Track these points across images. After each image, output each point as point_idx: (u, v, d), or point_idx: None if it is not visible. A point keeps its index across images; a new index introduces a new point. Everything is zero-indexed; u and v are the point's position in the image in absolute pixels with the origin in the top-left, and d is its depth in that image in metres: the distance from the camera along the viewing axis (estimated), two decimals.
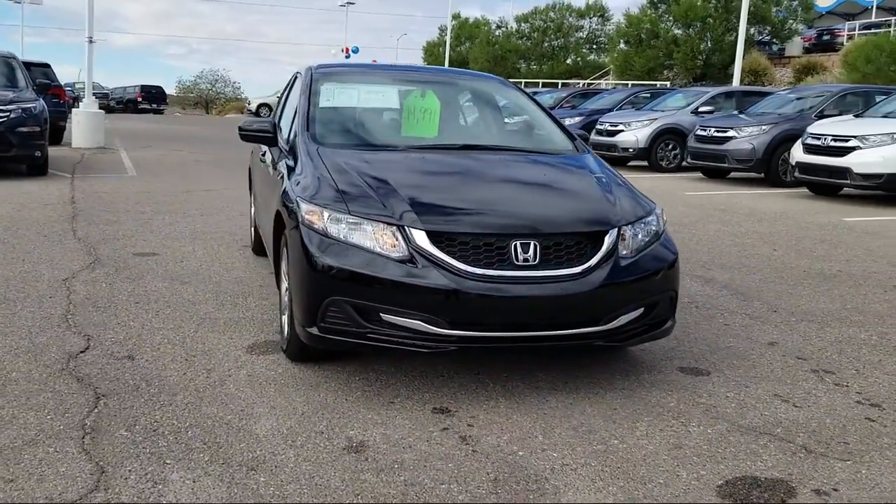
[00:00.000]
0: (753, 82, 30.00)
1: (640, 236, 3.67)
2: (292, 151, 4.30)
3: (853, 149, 11.46)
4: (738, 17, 31.81)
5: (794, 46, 35.72)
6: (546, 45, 42.89)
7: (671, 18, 32.82)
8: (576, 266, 3.43)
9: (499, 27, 45.70)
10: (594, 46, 43.55)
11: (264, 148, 5.29)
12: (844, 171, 11.46)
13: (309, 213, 3.56)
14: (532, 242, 3.39)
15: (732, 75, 32.08)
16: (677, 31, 32.49)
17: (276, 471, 2.81)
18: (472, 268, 3.31)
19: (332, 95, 4.73)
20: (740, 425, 3.35)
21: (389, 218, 3.42)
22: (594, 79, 38.76)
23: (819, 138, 12.06)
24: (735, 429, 3.31)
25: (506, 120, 5.06)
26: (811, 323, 5.00)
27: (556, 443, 3.11)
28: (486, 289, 3.28)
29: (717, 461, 3.01)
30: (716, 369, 4.04)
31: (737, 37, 31.92)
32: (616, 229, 3.58)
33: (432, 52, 49.57)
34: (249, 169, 6.66)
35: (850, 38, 32.17)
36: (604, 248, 3.51)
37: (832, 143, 11.78)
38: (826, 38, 33.92)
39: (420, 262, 3.32)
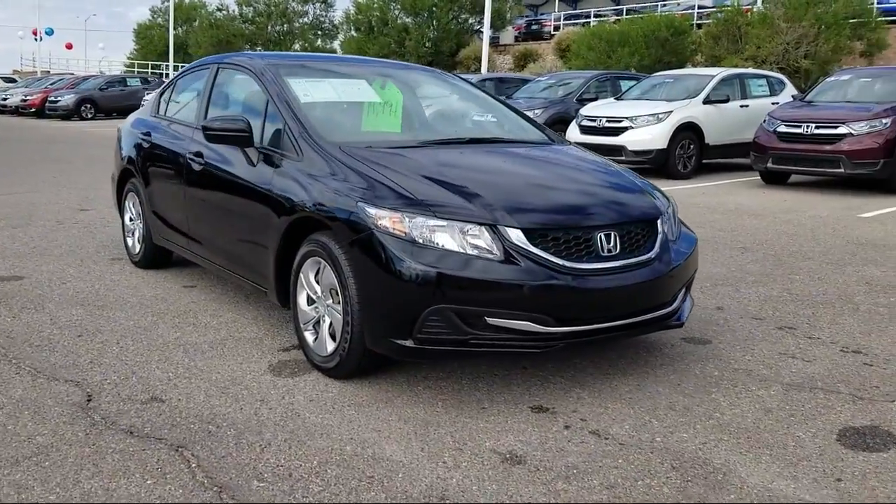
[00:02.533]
0: (479, 69, 31.98)
1: (671, 220, 3.90)
2: (292, 153, 3.92)
3: (626, 128, 12.81)
4: (461, 7, 33.69)
5: (507, 35, 38.57)
6: (271, 30, 41.93)
7: (399, 7, 33.72)
8: (646, 253, 3.57)
9: (219, 10, 43.78)
10: (319, 32, 43.41)
11: (195, 148, 4.73)
12: (620, 149, 12.72)
13: (383, 218, 3.30)
14: (612, 233, 3.47)
15: (459, 62, 33.94)
16: (407, 20, 33.48)
17: (471, 496, 2.63)
18: (570, 262, 3.32)
19: (307, 91, 4.35)
20: (787, 384, 3.72)
21: (480, 217, 3.29)
22: None
23: (594, 120, 13.29)
24: (787, 388, 3.67)
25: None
26: (725, 286, 5.60)
27: (674, 424, 3.25)
28: (588, 283, 3.31)
29: (809, 418, 3.33)
30: (709, 336, 4.41)
31: (460, 25, 33.82)
32: (663, 215, 3.78)
33: (145, 34, 46.16)
34: (124, 175, 5.85)
35: (556, 27, 35.45)
36: (659, 233, 3.69)
37: (607, 125, 13.05)
38: (535, 27, 37.04)
39: (520, 261, 3.24)
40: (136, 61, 42.45)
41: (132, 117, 6.22)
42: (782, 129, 11.40)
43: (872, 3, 23.33)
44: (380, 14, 33.98)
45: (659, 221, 3.73)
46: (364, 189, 3.47)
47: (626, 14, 32.47)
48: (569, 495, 2.66)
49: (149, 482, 2.66)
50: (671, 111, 12.78)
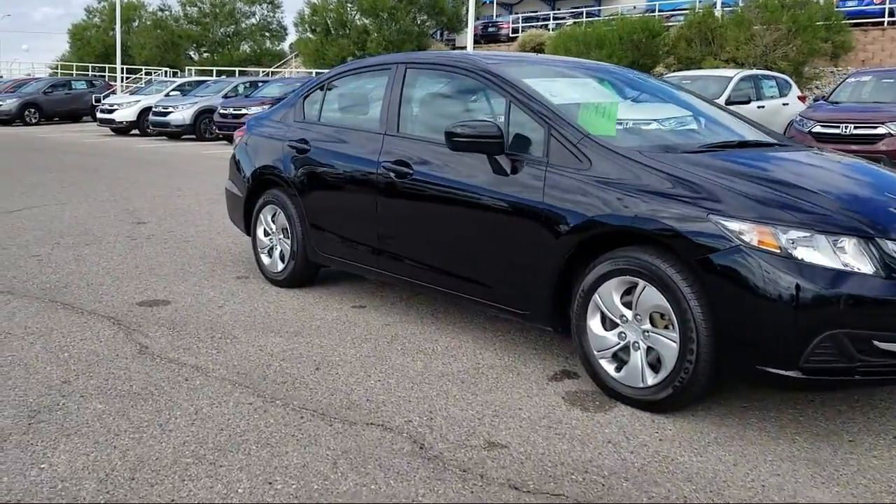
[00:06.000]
0: None
1: None
2: (570, 161, 3.53)
3: None
4: (419, 9, 33.30)
5: (463, 38, 38.31)
6: (219, 31, 40.60)
7: (357, 8, 33.12)
8: None
9: (162, 10, 42.14)
10: (266, 34, 42.29)
11: (394, 157, 4.27)
12: None
13: (748, 232, 2.95)
14: None
15: None
16: (366, 21, 32.90)
17: None
18: None
19: (550, 92, 3.95)
20: None
21: (857, 230, 2.97)
22: (278, 67, 37.72)
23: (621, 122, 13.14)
24: None
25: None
26: None
27: None
28: None
29: None
30: None
31: (419, 28, 33.43)
32: None
33: (81, 35, 44.06)
34: (258, 186, 5.31)
35: (515, 30, 35.42)
36: None
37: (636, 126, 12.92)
38: (491, 29, 36.88)
39: None
40: (74, 63, 40.48)
41: (253, 125, 5.67)
42: (818, 129, 11.46)
43: (837, 7, 24.02)
44: (336, 15, 33.28)
45: None
46: (709, 199, 3.11)
47: (587, 17, 32.68)
48: None
49: None
50: None
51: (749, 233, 2.96)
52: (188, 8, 41.05)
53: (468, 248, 3.95)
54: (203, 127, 20.52)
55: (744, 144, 4.06)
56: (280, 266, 5.26)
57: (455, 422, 3.12)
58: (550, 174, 3.57)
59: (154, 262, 5.94)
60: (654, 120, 4.37)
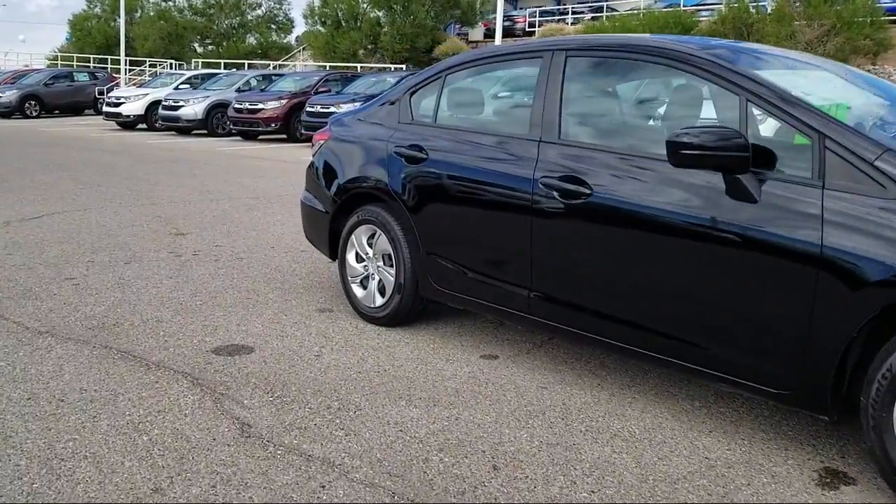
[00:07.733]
0: None
1: None
2: (864, 185, 2.53)
3: None
4: (433, 1, 32.25)
5: (476, 32, 37.33)
6: (224, 22, 39.35)
7: (368, 0, 32.05)
8: None
9: (165, 0, 40.80)
10: (272, 26, 41.05)
11: (558, 171, 3.27)
12: None
13: None
14: None
15: (436, 59, 32.52)
16: (379, 13, 31.82)
17: None
18: None
19: (792, 86, 2.93)
20: None
21: None
22: (285, 60, 36.54)
23: None
24: None
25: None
26: None
27: None
28: None
29: None
30: None
31: (434, 20, 32.47)
32: None
33: (82, 26, 42.69)
34: (349, 201, 4.29)
35: (531, 24, 34.38)
36: None
37: None
38: (506, 24, 35.73)
39: None
40: (74, 55, 39.14)
41: (339, 126, 4.64)
42: None
43: (879, 3, 23.04)
44: (347, 7, 32.16)
45: None
46: None
47: (606, 11, 31.71)
48: None
49: None
50: None
51: None
52: None
53: (686, 298, 2.94)
54: (216, 122, 19.46)
55: None
56: (379, 300, 4.25)
57: None
58: (832, 204, 2.57)
59: (212, 289, 4.92)
60: None
